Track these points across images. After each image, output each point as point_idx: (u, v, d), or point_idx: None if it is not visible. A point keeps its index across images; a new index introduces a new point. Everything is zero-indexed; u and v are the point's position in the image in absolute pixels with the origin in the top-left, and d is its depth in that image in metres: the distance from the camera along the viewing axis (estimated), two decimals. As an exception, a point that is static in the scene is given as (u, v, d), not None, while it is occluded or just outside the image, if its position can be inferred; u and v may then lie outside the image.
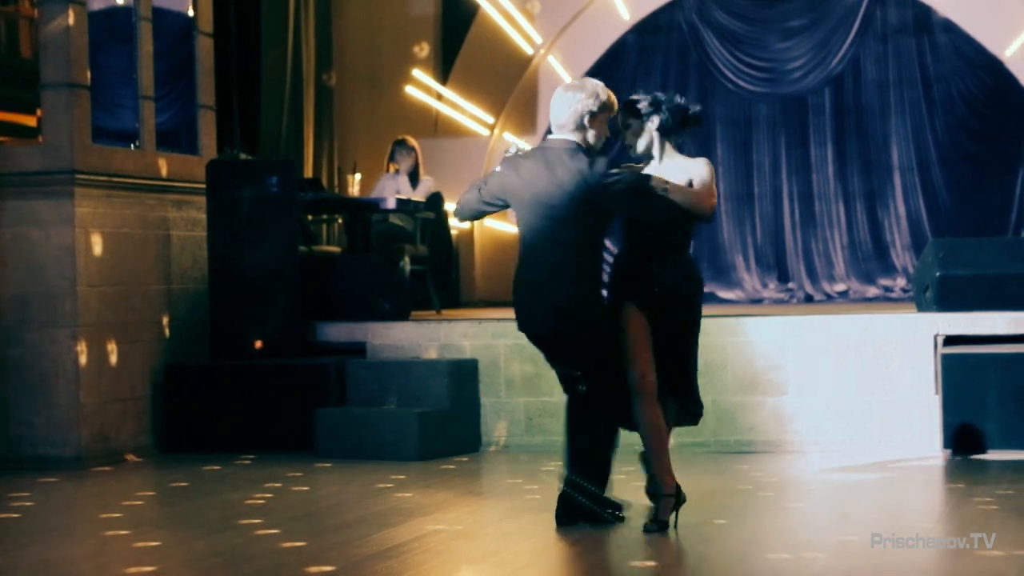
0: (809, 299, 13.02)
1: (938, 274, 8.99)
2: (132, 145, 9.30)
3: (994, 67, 12.55)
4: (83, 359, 8.67)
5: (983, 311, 8.69)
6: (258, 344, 9.35)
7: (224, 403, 9.06)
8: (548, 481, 7.47)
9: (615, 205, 5.95)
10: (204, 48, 9.92)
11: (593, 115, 5.91)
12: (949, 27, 12.73)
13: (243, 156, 11.01)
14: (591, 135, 5.93)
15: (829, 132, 13.25)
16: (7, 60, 9.19)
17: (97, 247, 8.84)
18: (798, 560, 5.29)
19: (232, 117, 11.33)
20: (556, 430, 8.80)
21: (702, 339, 8.07)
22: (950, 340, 8.52)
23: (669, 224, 6.03)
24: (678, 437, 8.60)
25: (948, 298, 8.91)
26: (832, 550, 5.51)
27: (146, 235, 9.26)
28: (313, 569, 5.26)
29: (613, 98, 6.01)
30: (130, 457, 8.84)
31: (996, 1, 12.42)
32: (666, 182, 5.92)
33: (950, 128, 12.91)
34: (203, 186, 9.54)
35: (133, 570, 5.35)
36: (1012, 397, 8.20)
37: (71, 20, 8.73)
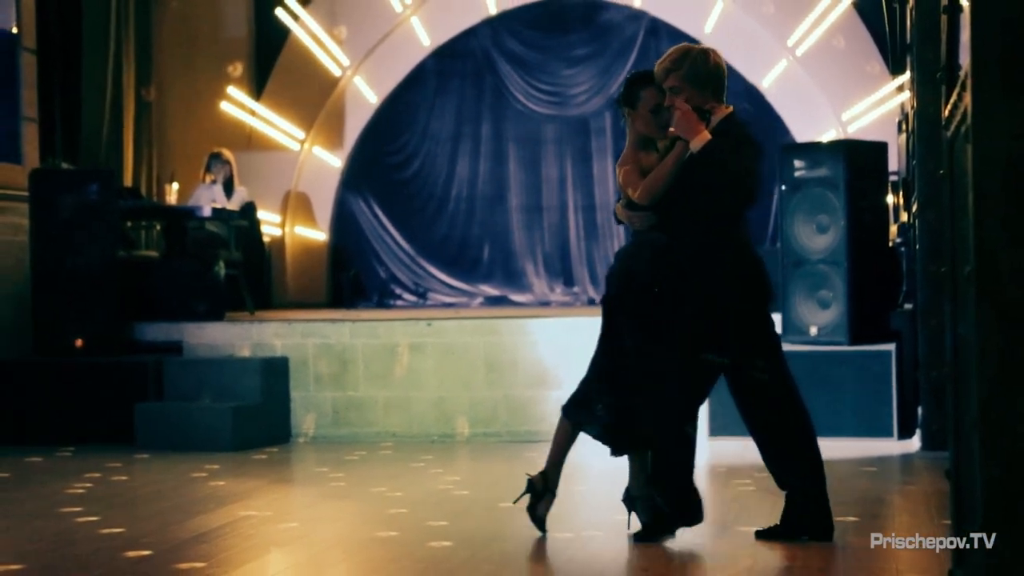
0: (592, 302, 13.22)
1: (704, 280, 9.23)
2: (-45, 154, 9.02)
3: (754, 96, 12.95)
4: (-94, 357, 8.36)
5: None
6: (79, 343, 9.15)
7: (46, 398, 8.85)
8: (352, 469, 7.48)
9: None
10: (27, 64, 9.68)
11: None
12: (715, 59, 13.07)
13: (64, 165, 10.78)
14: None
15: (610, 150, 13.48)
16: None
17: (-79, 250, 8.53)
18: (579, 538, 5.38)
19: (55, 128, 11.04)
20: (360, 422, 8.84)
21: (495, 340, 8.06)
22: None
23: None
24: (472, 427, 8.71)
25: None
26: (609, 529, 5.62)
27: (-31, 239, 8.99)
28: (131, 554, 5.16)
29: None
30: (-47, 451, 8.56)
31: (755, 37, 12.83)
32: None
33: (717, 149, 13.24)
34: (26, 193, 9.31)
35: (-44, 558, 5.19)
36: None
37: None
